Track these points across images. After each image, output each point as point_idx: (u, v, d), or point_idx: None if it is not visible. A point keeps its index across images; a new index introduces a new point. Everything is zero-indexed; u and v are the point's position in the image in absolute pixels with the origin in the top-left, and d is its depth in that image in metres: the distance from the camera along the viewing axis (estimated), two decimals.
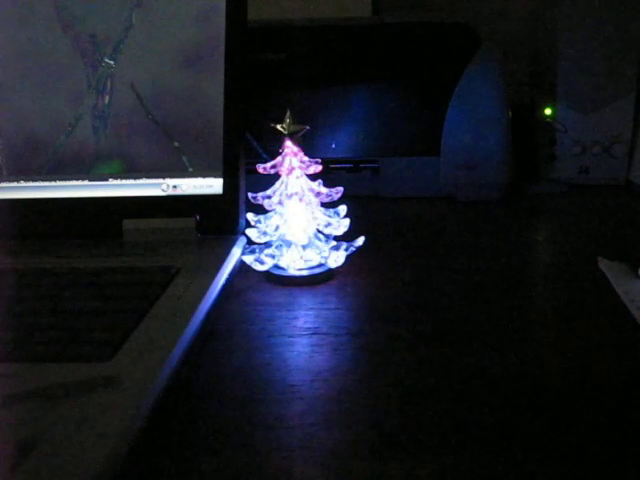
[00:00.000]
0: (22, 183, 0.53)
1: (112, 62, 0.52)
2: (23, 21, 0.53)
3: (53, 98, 0.53)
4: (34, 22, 0.53)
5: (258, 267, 0.46)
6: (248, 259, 0.46)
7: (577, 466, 0.27)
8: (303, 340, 0.38)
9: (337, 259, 0.45)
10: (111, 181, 0.52)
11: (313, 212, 0.46)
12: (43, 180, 0.52)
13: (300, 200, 0.46)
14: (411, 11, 0.79)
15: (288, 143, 0.45)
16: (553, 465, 0.27)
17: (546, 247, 0.54)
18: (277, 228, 0.46)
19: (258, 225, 0.47)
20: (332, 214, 0.47)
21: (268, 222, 0.46)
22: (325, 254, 0.45)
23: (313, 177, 0.47)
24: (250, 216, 0.47)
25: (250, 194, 0.47)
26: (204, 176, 0.51)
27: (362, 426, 0.30)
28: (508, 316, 0.40)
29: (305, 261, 0.46)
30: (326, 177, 0.48)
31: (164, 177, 0.52)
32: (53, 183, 0.52)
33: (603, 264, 0.46)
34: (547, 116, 0.69)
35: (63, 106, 0.53)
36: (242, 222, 0.50)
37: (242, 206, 0.50)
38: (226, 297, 0.43)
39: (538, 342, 0.37)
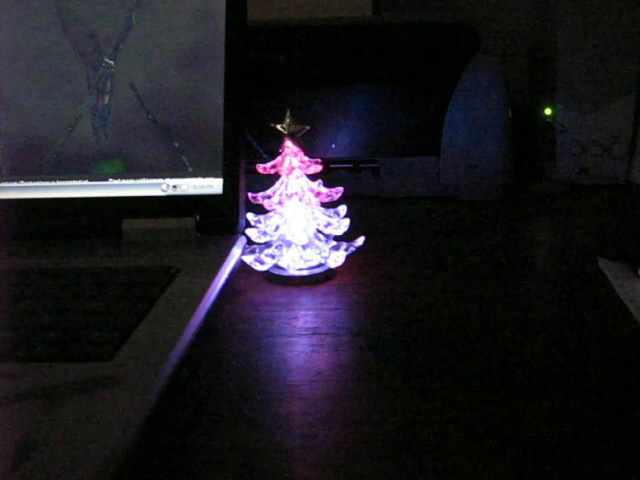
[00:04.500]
0: (22, 183, 0.53)
1: (112, 62, 0.52)
2: (23, 21, 0.53)
3: (53, 98, 0.53)
4: (34, 22, 0.53)
5: (258, 267, 0.46)
6: (248, 259, 0.46)
7: (575, 465, 0.27)
8: (303, 340, 0.38)
9: (337, 259, 0.45)
10: (111, 181, 0.52)
11: (313, 212, 0.46)
12: (43, 180, 0.52)
13: (300, 200, 0.46)
14: (411, 11, 0.79)
15: (288, 143, 0.45)
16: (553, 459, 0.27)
17: (546, 247, 0.54)
18: (277, 228, 0.46)
19: (258, 225, 0.47)
20: (332, 214, 0.47)
21: (268, 222, 0.46)
22: (325, 254, 0.45)
23: (313, 177, 0.47)
24: (250, 216, 0.47)
25: (250, 194, 0.47)
26: (204, 176, 0.51)
27: (362, 426, 0.30)
28: (507, 315, 0.40)
29: (305, 261, 0.46)
30: (326, 177, 0.48)
31: (164, 177, 0.52)
32: (53, 183, 0.52)
33: (603, 264, 0.46)
34: (547, 116, 0.69)
35: (63, 106, 0.53)
36: (242, 222, 0.50)
37: (242, 206, 0.50)
38: (226, 297, 0.43)
39: (538, 342, 0.37)
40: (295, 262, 0.46)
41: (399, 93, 0.64)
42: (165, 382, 0.31)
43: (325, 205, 0.47)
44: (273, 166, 0.46)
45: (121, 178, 0.52)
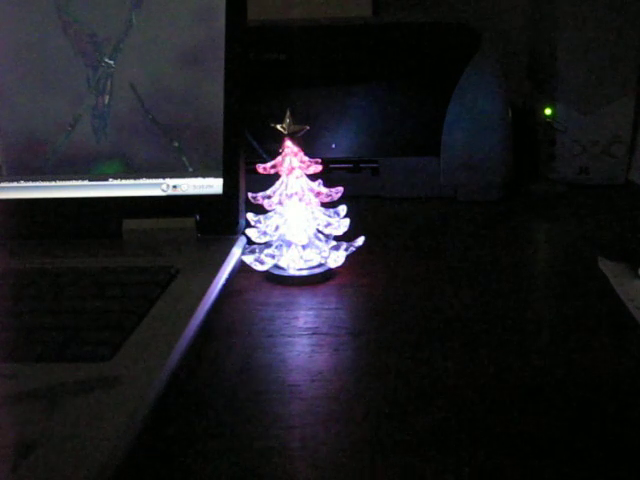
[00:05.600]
0: (22, 183, 0.53)
1: (112, 62, 0.52)
2: (23, 21, 0.53)
3: (53, 98, 0.53)
4: (34, 22, 0.53)
5: (258, 267, 0.46)
6: (248, 259, 0.46)
7: (575, 465, 0.27)
8: (303, 340, 0.38)
9: (337, 259, 0.45)
10: (111, 181, 0.52)
11: (313, 212, 0.46)
12: (43, 180, 0.53)
13: (300, 200, 0.46)
14: (411, 11, 0.79)
15: (288, 143, 0.45)
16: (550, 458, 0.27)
17: (546, 247, 0.54)
18: (277, 228, 0.46)
19: (258, 225, 0.47)
20: (332, 214, 0.47)
21: (268, 222, 0.46)
22: (325, 254, 0.45)
23: (313, 177, 0.47)
24: (250, 216, 0.47)
25: (250, 194, 0.47)
26: (204, 176, 0.51)
27: (362, 426, 0.30)
28: (508, 316, 0.40)
29: (305, 261, 0.46)
30: (326, 177, 0.48)
31: (164, 177, 0.52)
32: (53, 183, 0.52)
33: (603, 264, 0.46)
34: (547, 116, 0.69)
35: (63, 106, 0.53)
36: (242, 222, 0.50)
37: (242, 206, 0.50)
38: (226, 297, 0.43)
39: (538, 342, 0.37)
40: (295, 262, 0.46)
41: (399, 93, 0.64)
42: (165, 382, 0.31)
43: (325, 205, 0.47)
44: (273, 166, 0.46)
45: (121, 178, 0.52)
